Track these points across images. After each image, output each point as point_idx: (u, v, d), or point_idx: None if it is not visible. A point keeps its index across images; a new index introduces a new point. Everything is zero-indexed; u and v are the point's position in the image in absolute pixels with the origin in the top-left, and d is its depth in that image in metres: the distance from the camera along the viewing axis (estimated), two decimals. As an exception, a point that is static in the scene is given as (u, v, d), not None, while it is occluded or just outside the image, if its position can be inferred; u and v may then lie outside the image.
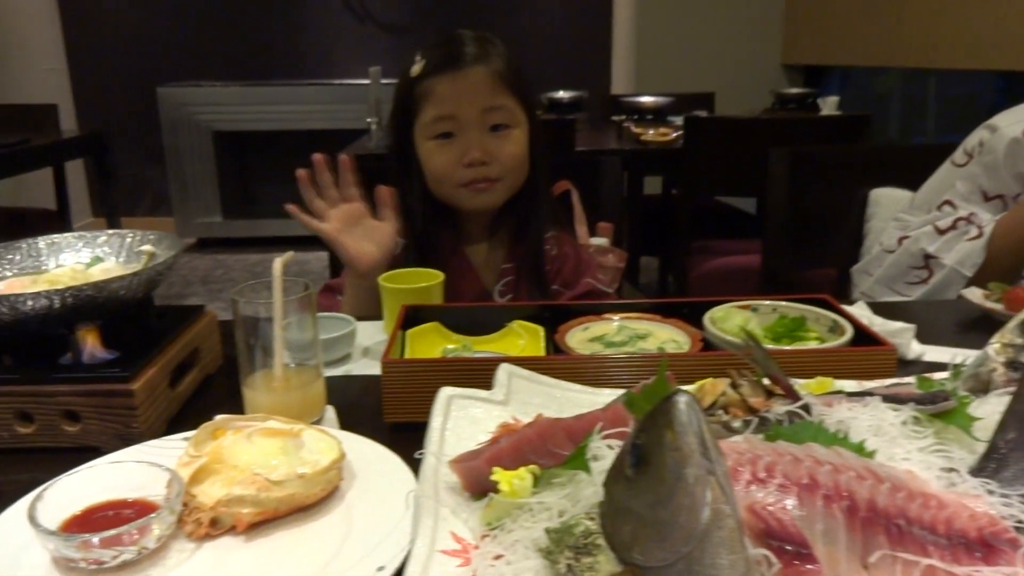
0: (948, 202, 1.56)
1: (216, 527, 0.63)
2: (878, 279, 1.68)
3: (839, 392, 0.65)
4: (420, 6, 4.91)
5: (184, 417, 0.87)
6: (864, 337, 0.87)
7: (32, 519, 0.59)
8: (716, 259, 2.86)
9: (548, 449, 0.57)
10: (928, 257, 1.52)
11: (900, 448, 0.56)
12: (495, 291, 1.34)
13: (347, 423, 0.84)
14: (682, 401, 0.43)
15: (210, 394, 0.94)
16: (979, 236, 1.44)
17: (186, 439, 0.75)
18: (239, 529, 0.63)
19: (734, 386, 0.61)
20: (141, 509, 0.63)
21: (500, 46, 1.25)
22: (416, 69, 1.21)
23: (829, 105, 3.42)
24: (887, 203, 1.90)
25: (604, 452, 0.57)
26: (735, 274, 2.84)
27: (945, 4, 3.56)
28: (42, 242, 0.94)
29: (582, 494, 0.54)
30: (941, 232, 1.49)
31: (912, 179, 1.84)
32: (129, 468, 0.67)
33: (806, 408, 0.59)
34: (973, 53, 3.44)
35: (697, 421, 0.43)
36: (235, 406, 0.87)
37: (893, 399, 0.61)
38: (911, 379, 0.70)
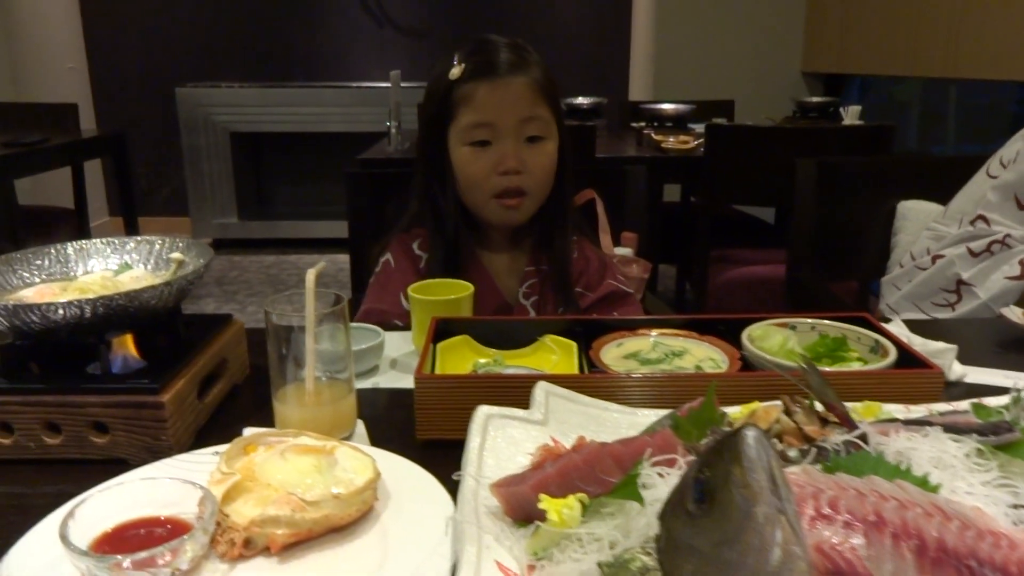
0: (981, 217, 1.53)
1: (249, 548, 0.62)
2: (905, 294, 1.66)
3: (894, 420, 0.63)
4: (439, 10, 4.91)
5: (211, 429, 0.85)
6: (908, 358, 0.85)
7: (64, 538, 0.57)
8: (735, 269, 2.83)
9: (596, 476, 0.55)
10: (960, 283, 1.49)
11: (963, 482, 0.54)
12: (519, 294, 1.33)
13: (377, 439, 0.82)
14: (751, 435, 0.41)
15: (237, 405, 0.92)
16: (1019, 278, 1.41)
17: (217, 453, 0.74)
18: (273, 550, 0.62)
19: (788, 413, 0.59)
20: (174, 528, 0.61)
21: (535, 55, 1.24)
22: (456, 72, 1.19)
23: (851, 114, 3.38)
24: (916, 216, 1.88)
25: (654, 480, 0.55)
26: (755, 285, 2.81)
27: (968, 13, 3.52)
28: (71, 247, 0.93)
29: (633, 525, 0.52)
30: (975, 255, 1.46)
31: (941, 191, 1.82)
32: (161, 484, 0.65)
33: (863, 438, 0.56)
34: (995, 63, 3.40)
35: (767, 457, 0.41)
36: (262, 418, 0.85)
37: (952, 429, 0.58)
38: (966, 405, 0.68)
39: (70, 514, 0.60)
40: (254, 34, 4.89)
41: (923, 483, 0.52)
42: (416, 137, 1.36)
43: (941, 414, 0.66)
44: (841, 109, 3.52)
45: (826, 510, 0.48)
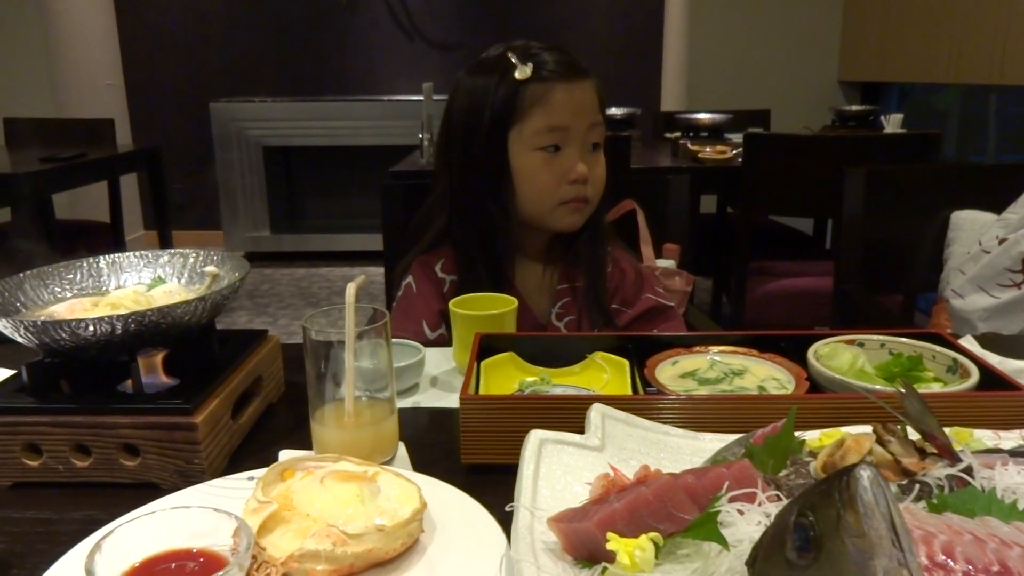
0: None
1: (287, 584, 0.57)
2: (971, 277, 1.60)
3: (998, 451, 0.57)
4: (469, 23, 4.91)
5: (245, 451, 0.81)
6: (992, 379, 0.78)
7: (90, 573, 0.53)
8: (773, 281, 2.76)
9: (668, 512, 0.50)
10: None
11: (1088, 524, 0.48)
12: (552, 314, 1.27)
13: (420, 463, 0.77)
14: (867, 476, 0.36)
15: (272, 426, 0.88)
16: None
17: (252, 479, 0.70)
18: (312, 587, 0.57)
19: (881, 443, 0.53)
20: (207, 562, 0.57)
21: None
22: (526, 71, 1.12)
23: (893, 123, 3.30)
24: (970, 226, 1.80)
25: (733, 517, 0.49)
26: (794, 297, 2.73)
27: (1015, 18, 3.42)
28: (103, 261, 0.90)
29: (714, 569, 0.46)
30: None
31: (994, 200, 1.74)
32: (193, 514, 0.61)
33: (968, 471, 0.50)
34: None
35: (885, 501, 0.36)
36: (299, 439, 0.81)
37: (1068, 462, 0.52)
38: (1071, 434, 0.61)
39: (97, 547, 0.56)
40: (286, 49, 4.93)
41: (1045, 526, 0.46)
42: (437, 148, 1.27)
43: (1047, 444, 0.59)
44: (882, 117, 3.43)
45: (940, 558, 0.42)
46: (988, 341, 1.03)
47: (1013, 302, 1.49)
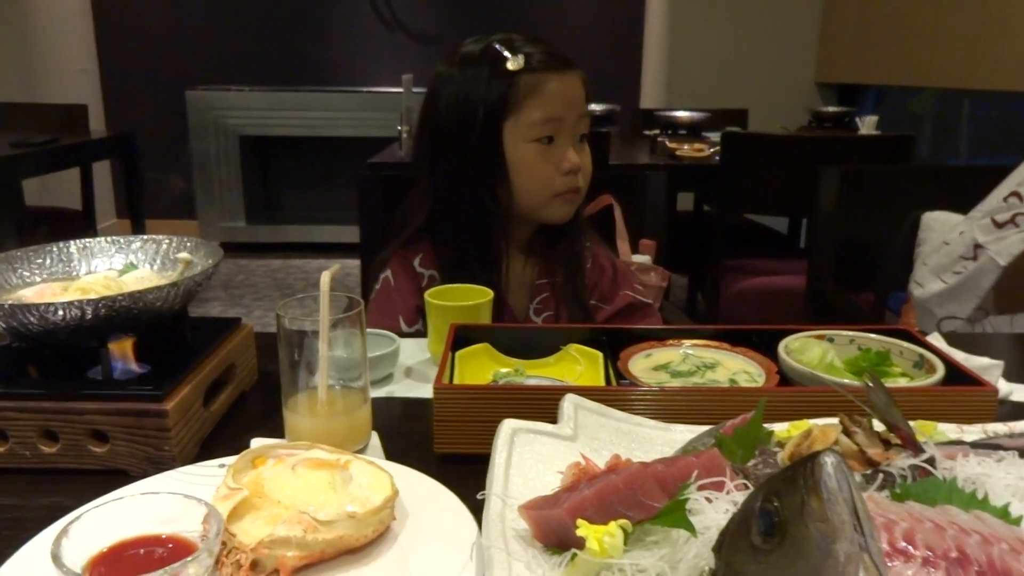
0: (1015, 194, 1.50)
1: (257, 571, 0.57)
2: (931, 268, 1.65)
3: (960, 443, 0.58)
4: (450, 15, 4.89)
5: (217, 439, 0.81)
6: (957, 375, 0.80)
7: (56, 559, 0.52)
8: (748, 279, 2.79)
9: (638, 500, 0.51)
10: (977, 247, 1.47)
11: (1045, 513, 0.49)
12: (530, 309, 1.27)
13: (393, 452, 0.77)
14: (830, 463, 0.37)
15: (244, 414, 0.87)
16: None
17: (223, 466, 0.69)
18: (282, 574, 0.57)
19: (847, 434, 0.54)
20: (175, 548, 0.56)
21: None
22: (520, 62, 1.11)
23: (868, 124, 3.34)
24: (940, 226, 1.83)
25: (702, 505, 0.50)
26: (768, 295, 2.76)
27: (988, 22, 3.48)
28: (73, 246, 0.89)
29: (682, 555, 0.47)
30: (999, 226, 1.44)
31: (963, 202, 1.77)
32: (162, 499, 0.61)
33: (931, 462, 0.52)
34: (1012, 74, 3.35)
35: (848, 487, 0.36)
36: (271, 427, 0.81)
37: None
38: (1030, 427, 0.63)
39: (64, 532, 0.55)
40: (265, 38, 4.87)
41: (1004, 514, 0.47)
42: (418, 145, 1.24)
43: (1008, 436, 0.61)
44: (857, 119, 3.48)
45: (901, 544, 0.43)
46: (955, 338, 1.05)
47: (960, 285, 1.53)
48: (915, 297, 1.64)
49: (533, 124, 1.13)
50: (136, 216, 3.55)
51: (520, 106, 1.12)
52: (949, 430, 0.69)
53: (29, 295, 0.80)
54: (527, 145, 1.14)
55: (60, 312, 0.70)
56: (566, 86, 1.14)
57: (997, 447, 0.55)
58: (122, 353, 0.76)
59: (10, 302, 0.74)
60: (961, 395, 0.75)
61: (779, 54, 4.89)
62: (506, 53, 1.13)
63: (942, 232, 1.81)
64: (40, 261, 0.87)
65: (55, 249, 0.88)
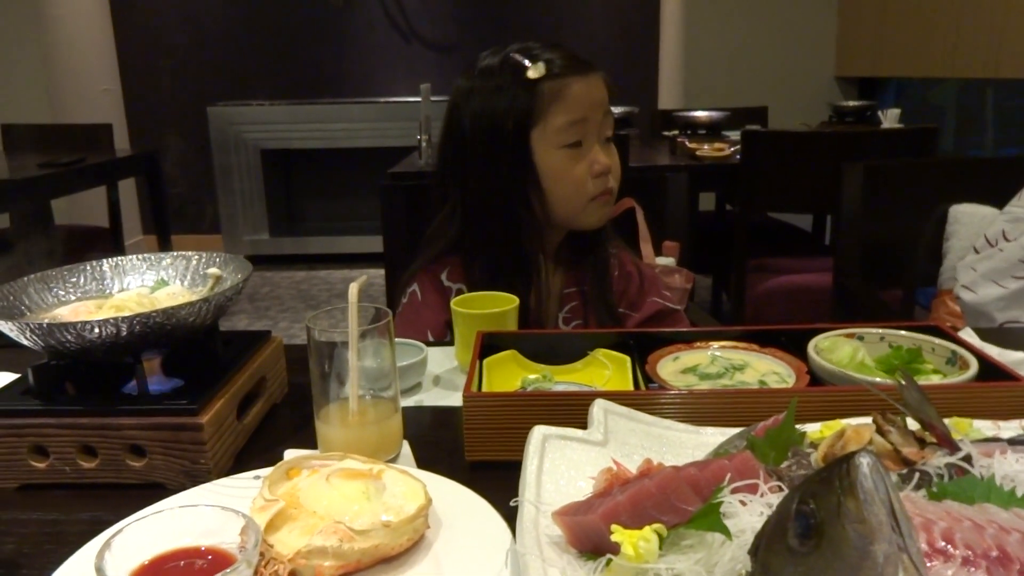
0: None
1: (295, 581, 0.58)
2: (984, 272, 1.61)
3: (997, 440, 0.57)
4: (465, 25, 4.91)
5: (250, 451, 0.82)
6: (991, 370, 0.79)
7: (100, 572, 0.53)
8: (773, 278, 2.76)
9: (671, 504, 0.51)
10: None
11: (1086, 510, 0.48)
12: (559, 319, 1.27)
13: (423, 460, 0.78)
14: (866, 463, 0.36)
15: (276, 426, 0.88)
16: None
17: (258, 478, 0.70)
18: (320, 583, 0.58)
19: (881, 433, 0.53)
20: (215, 559, 0.57)
21: None
22: (541, 69, 1.11)
23: (890, 118, 3.30)
24: (969, 220, 1.80)
25: (736, 509, 0.50)
26: (794, 294, 2.74)
27: (1012, 11, 3.42)
28: (106, 264, 0.91)
29: (718, 559, 0.47)
30: None
31: (992, 193, 1.74)
32: (201, 512, 0.62)
33: (968, 460, 0.51)
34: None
35: (885, 488, 0.36)
36: (303, 438, 0.82)
37: (1066, 449, 0.53)
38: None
39: (107, 545, 0.56)
40: (283, 52, 4.93)
41: (1044, 512, 0.47)
42: (443, 160, 1.23)
43: (1046, 432, 0.60)
44: (879, 113, 3.44)
45: (940, 544, 0.43)
46: (987, 333, 1.04)
47: (1022, 291, 1.51)
48: (967, 303, 1.61)
49: (560, 130, 1.12)
50: (162, 232, 3.61)
51: (545, 113, 1.12)
52: (985, 427, 0.68)
53: (65, 313, 0.82)
54: (556, 152, 1.13)
55: (96, 330, 0.71)
56: (589, 88, 1.13)
57: (1035, 443, 0.55)
58: (156, 368, 0.77)
59: (47, 321, 0.76)
60: (996, 391, 0.74)
61: (797, 49, 4.86)
62: (526, 62, 1.12)
63: (971, 225, 1.78)
64: (74, 280, 0.89)
65: (88, 268, 0.90)
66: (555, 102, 1.11)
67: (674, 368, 0.86)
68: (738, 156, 2.67)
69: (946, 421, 0.65)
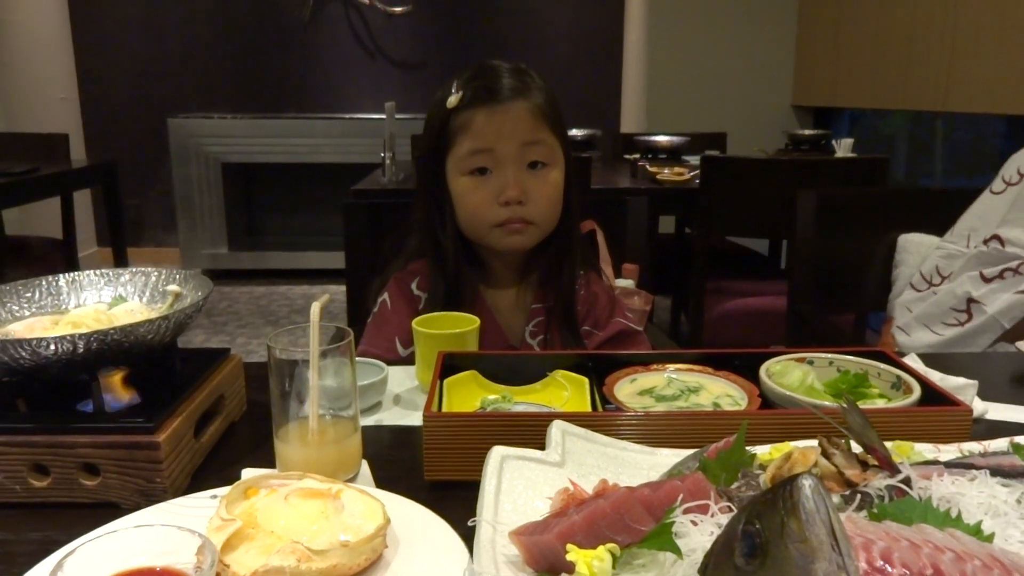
0: (996, 237, 1.53)
1: (251, 601, 0.58)
2: (918, 315, 1.66)
3: (935, 462, 0.60)
4: (431, 43, 4.94)
5: (208, 470, 0.81)
6: (933, 395, 0.82)
7: (52, 593, 0.53)
8: (730, 300, 2.82)
9: (625, 524, 0.52)
10: (971, 301, 1.50)
11: (1016, 530, 0.51)
12: (525, 333, 1.29)
13: (383, 480, 0.78)
14: (808, 485, 0.38)
15: (234, 445, 0.88)
16: None
17: (215, 497, 0.70)
18: (277, 604, 0.57)
19: (826, 455, 0.55)
20: (170, 580, 0.57)
21: (538, 80, 1.20)
22: (454, 100, 1.15)
23: (844, 147, 3.40)
24: (916, 248, 1.87)
25: (687, 528, 0.51)
26: (751, 316, 2.79)
27: (960, 47, 3.57)
28: (62, 279, 0.90)
29: (669, 578, 0.48)
30: (987, 281, 1.46)
31: (939, 223, 1.81)
32: (156, 532, 0.61)
33: (907, 482, 0.53)
34: (988, 96, 3.44)
35: (825, 508, 0.38)
36: (260, 457, 0.82)
37: (999, 472, 0.55)
38: (1003, 445, 0.65)
39: (58, 566, 0.55)
40: (246, 65, 4.90)
41: (976, 532, 0.49)
42: (414, 169, 1.35)
43: (981, 455, 0.63)
44: (833, 142, 3.54)
45: (879, 563, 0.45)
46: (931, 359, 1.08)
47: (956, 339, 1.56)
48: (900, 343, 1.66)
49: (462, 157, 1.17)
50: (118, 245, 3.54)
51: (454, 141, 1.17)
52: (926, 450, 0.71)
53: (19, 329, 0.80)
54: (462, 178, 1.18)
55: (52, 346, 0.70)
56: (498, 117, 1.15)
57: (970, 466, 0.57)
58: (112, 386, 0.77)
59: (0, 337, 0.75)
60: (937, 415, 0.77)
61: (756, 79, 4.99)
62: (453, 89, 1.18)
63: (918, 254, 1.85)
64: (29, 295, 0.88)
65: (44, 283, 0.89)
66: (461, 132, 1.17)
67: (631, 389, 0.88)
68: (697, 180, 2.73)
69: (888, 444, 0.68)
